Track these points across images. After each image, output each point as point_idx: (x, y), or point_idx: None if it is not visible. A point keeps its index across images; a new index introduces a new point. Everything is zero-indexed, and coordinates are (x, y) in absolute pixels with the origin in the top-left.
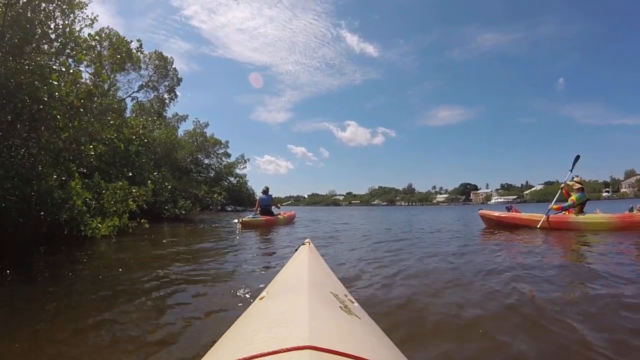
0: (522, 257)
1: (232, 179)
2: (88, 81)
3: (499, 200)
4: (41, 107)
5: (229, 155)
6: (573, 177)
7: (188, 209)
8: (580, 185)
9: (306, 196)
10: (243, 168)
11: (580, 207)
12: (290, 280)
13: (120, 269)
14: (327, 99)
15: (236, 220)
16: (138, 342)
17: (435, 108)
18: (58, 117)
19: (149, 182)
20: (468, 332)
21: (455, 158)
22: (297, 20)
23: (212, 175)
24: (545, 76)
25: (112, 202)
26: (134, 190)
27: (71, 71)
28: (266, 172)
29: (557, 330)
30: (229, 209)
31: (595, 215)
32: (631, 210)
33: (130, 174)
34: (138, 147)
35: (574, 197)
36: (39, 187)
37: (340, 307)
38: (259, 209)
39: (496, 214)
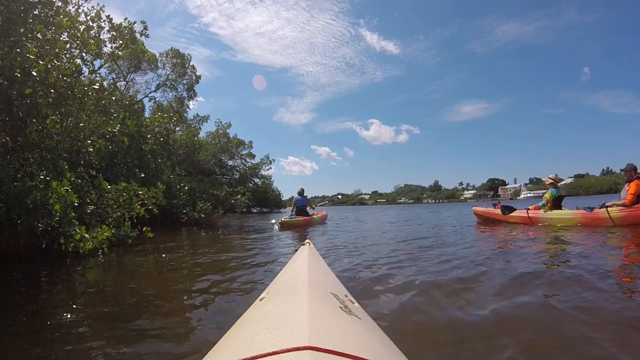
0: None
1: (257, 180)
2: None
3: (529, 195)
4: (15, 86)
5: (253, 156)
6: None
7: (208, 211)
8: (553, 182)
9: (339, 197)
10: (268, 169)
11: (554, 203)
12: (290, 281)
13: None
14: (349, 99)
15: (274, 221)
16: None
17: (459, 103)
18: (39, 101)
19: (159, 182)
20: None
21: (482, 153)
22: (314, 21)
23: (236, 177)
24: (569, 66)
25: (116, 207)
26: (140, 192)
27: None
28: (291, 173)
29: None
30: (255, 210)
31: (561, 211)
32: (602, 205)
33: (143, 175)
34: (153, 145)
35: (547, 194)
36: (10, 189)
37: (341, 307)
38: (295, 209)
39: (482, 210)
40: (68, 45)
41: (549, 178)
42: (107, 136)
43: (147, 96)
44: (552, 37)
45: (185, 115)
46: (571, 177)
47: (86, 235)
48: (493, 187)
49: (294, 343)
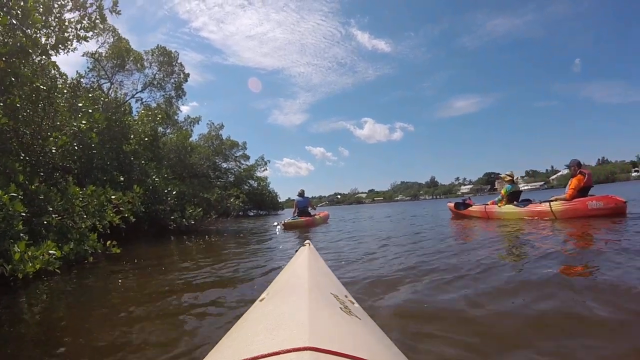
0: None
1: (252, 182)
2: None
3: (526, 187)
4: None
5: (247, 158)
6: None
7: (198, 217)
8: (509, 178)
9: (338, 196)
10: (264, 170)
11: (509, 198)
12: (290, 282)
13: None
14: (342, 98)
15: (276, 223)
16: None
17: (451, 98)
18: None
19: (135, 185)
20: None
21: (477, 148)
22: (304, 23)
23: (231, 179)
24: (561, 58)
25: (85, 216)
26: (113, 197)
27: None
28: (287, 175)
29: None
30: (251, 213)
31: (511, 207)
32: (549, 200)
33: (122, 178)
34: (135, 146)
35: (503, 189)
36: None
37: (341, 307)
38: (297, 210)
39: (451, 206)
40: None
41: (506, 175)
42: (72, 131)
43: (133, 97)
44: (543, 29)
45: (176, 117)
46: (566, 168)
47: (28, 254)
48: (489, 181)
49: (294, 343)
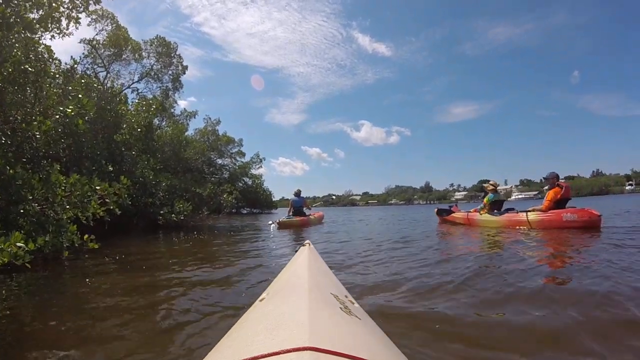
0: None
1: (247, 179)
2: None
3: (520, 196)
4: None
5: (243, 155)
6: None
7: (188, 212)
8: (492, 187)
9: (333, 197)
10: (259, 168)
11: (491, 206)
12: (290, 282)
13: None
14: (340, 100)
15: (270, 222)
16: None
17: (450, 104)
18: None
19: (122, 177)
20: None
21: (473, 155)
22: (306, 23)
23: (226, 176)
24: (560, 68)
25: (68, 206)
26: (98, 188)
27: None
28: (282, 174)
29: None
30: (245, 211)
31: (490, 215)
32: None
33: (111, 168)
34: (127, 136)
35: (485, 198)
36: None
37: (341, 308)
38: (292, 210)
39: (436, 211)
40: None
41: (490, 184)
42: (58, 117)
43: (129, 87)
44: (543, 39)
45: (173, 110)
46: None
47: None
48: (484, 188)
49: (294, 343)
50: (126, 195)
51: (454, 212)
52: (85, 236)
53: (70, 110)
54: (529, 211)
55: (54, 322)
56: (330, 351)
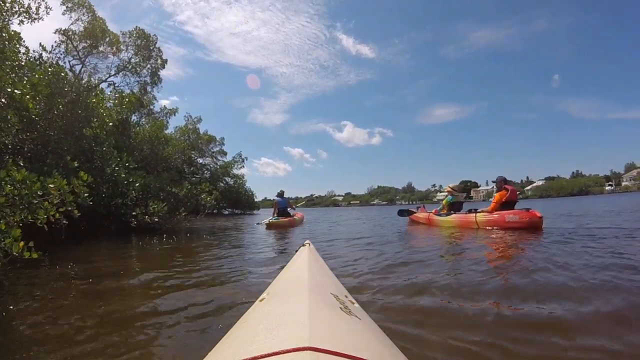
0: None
1: (229, 179)
2: None
3: None
4: None
5: (225, 154)
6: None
7: (162, 213)
8: (451, 190)
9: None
10: (241, 168)
11: (449, 207)
12: (290, 282)
13: None
14: (323, 101)
15: (259, 223)
16: None
17: (432, 106)
18: None
19: (81, 172)
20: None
21: (454, 156)
22: (290, 23)
23: (207, 175)
24: (541, 71)
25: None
26: (51, 186)
27: None
28: (264, 174)
29: None
30: (226, 212)
31: (445, 216)
32: (474, 211)
33: (77, 164)
34: (97, 130)
35: (444, 200)
36: None
37: (341, 308)
38: (277, 211)
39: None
40: None
41: (448, 187)
42: (3, 100)
43: (105, 81)
44: (525, 42)
45: (152, 107)
46: (542, 180)
47: None
48: (466, 189)
49: (294, 343)
50: (86, 195)
51: (415, 212)
52: (21, 243)
53: (18, 93)
54: (478, 212)
55: None
56: (330, 351)
